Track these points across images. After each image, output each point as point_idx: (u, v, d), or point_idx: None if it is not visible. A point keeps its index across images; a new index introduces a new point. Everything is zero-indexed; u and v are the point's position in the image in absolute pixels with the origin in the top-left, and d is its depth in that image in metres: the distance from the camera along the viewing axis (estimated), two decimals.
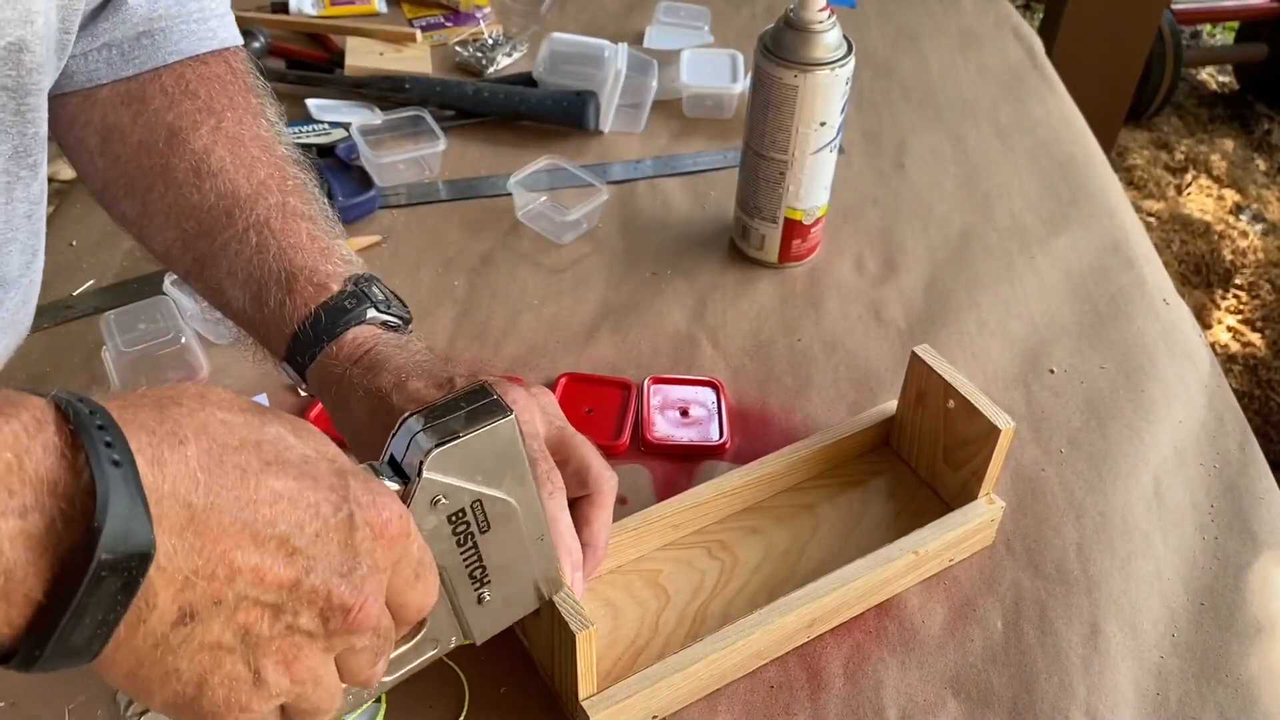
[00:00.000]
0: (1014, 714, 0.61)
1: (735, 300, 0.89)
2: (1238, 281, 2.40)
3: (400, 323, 0.62)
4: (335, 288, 0.60)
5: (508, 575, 0.51)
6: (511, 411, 0.47)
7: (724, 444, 0.76)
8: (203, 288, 0.64)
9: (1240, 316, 2.33)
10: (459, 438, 0.45)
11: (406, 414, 0.46)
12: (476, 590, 0.51)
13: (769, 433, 0.78)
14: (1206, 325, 2.28)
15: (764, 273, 0.92)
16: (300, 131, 1.02)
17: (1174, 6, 2.79)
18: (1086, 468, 0.76)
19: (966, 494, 0.69)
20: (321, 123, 1.04)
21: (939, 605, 0.67)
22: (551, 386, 0.79)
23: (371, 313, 0.60)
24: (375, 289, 0.61)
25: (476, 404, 0.47)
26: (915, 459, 0.74)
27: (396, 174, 1.00)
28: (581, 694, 0.57)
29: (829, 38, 0.82)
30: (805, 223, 0.90)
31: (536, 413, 0.58)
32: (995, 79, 1.20)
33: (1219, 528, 0.72)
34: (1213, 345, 1.99)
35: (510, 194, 0.96)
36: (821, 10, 0.82)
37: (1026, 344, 0.86)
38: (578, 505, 0.58)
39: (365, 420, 0.56)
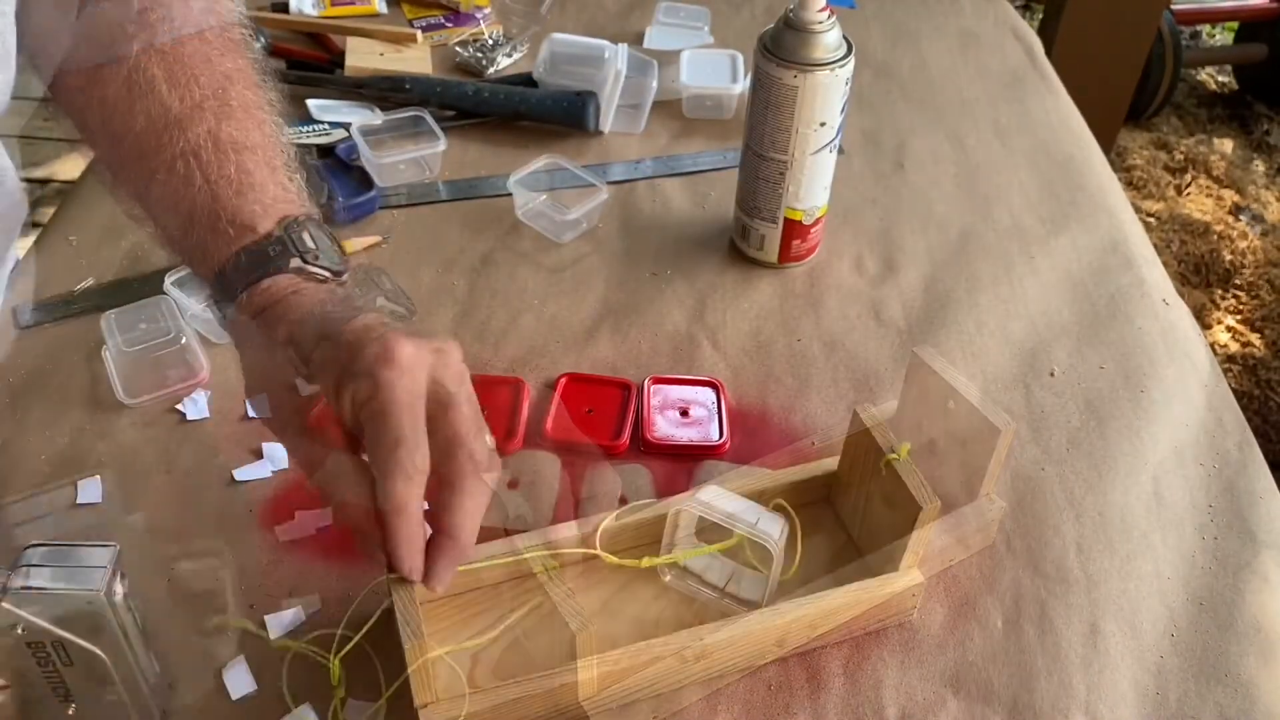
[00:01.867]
0: (1014, 713, 0.61)
1: (735, 300, 0.89)
2: (1237, 282, 2.40)
3: (328, 274, 0.57)
4: (262, 230, 0.56)
5: (100, 698, 0.51)
6: (107, 592, 0.48)
7: (724, 444, 0.76)
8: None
9: (1240, 317, 2.33)
10: (44, 590, 0.47)
11: (31, 543, 0.49)
12: (62, 704, 0.51)
13: (769, 433, 0.78)
14: (1206, 325, 2.28)
15: (764, 273, 0.92)
16: (300, 132, 1.02)
17: (1174, 6, 2.79)
18: (1086, 467, 0.76)
19: (967, 494, 0.69)
20: (322, 123, 1.04)
21: (939, 604, 0.67)
22: (551, 386, 0.80)
23: (295, 262, 0.56)
24: (306, 236, 0.56)
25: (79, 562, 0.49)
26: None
27: (397, 174, 1.00)
28: (581, 694, 0.57)
29: (829, 38, 0.82)
30: (805, 223, 0.90)
31: (420, 375, 0.51)
32: (995, 79, 1.20)
33: (1218, 528, 0.72)
34: (1212, 345, 1.99)
35: (510, 194, 0.96)
36: (821, 10, 0.82)
37: (1026, 344, 0.86)
38: (443, 490, 0.52)
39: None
